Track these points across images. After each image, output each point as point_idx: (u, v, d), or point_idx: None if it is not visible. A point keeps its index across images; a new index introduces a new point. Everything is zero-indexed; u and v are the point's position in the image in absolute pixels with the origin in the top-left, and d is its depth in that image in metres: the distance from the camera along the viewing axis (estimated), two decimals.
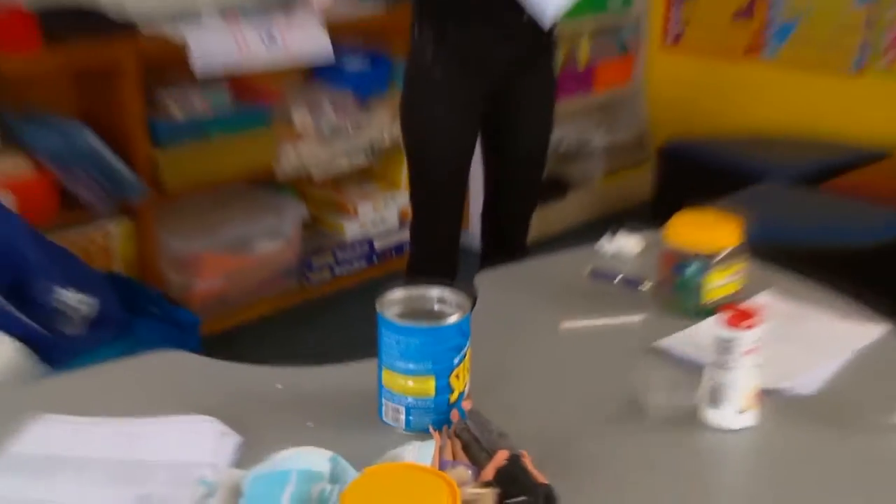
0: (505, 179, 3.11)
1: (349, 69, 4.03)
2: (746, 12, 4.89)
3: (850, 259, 3.38)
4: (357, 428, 1.61)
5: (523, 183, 3.15)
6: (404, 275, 3.09)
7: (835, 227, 3.64)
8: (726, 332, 1.58)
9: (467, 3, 2.78)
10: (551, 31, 2.88)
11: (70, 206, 3.34)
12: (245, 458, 1.49)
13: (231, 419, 1.58)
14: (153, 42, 3.51)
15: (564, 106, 4.84)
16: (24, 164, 3.19)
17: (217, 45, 3.53)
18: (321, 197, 4.16)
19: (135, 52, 3.44)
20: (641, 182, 5.04)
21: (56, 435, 1.59)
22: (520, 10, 2.68)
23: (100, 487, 1.46)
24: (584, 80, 5.03)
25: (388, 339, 1.57)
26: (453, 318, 1.57)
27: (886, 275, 3.41)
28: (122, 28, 3.49)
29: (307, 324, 3.86)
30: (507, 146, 3.05)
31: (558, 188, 4.94)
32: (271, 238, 3.92)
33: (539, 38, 2.87)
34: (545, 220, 4.69)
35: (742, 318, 1.58)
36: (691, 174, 4.49)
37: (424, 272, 2.92)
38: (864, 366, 1.82)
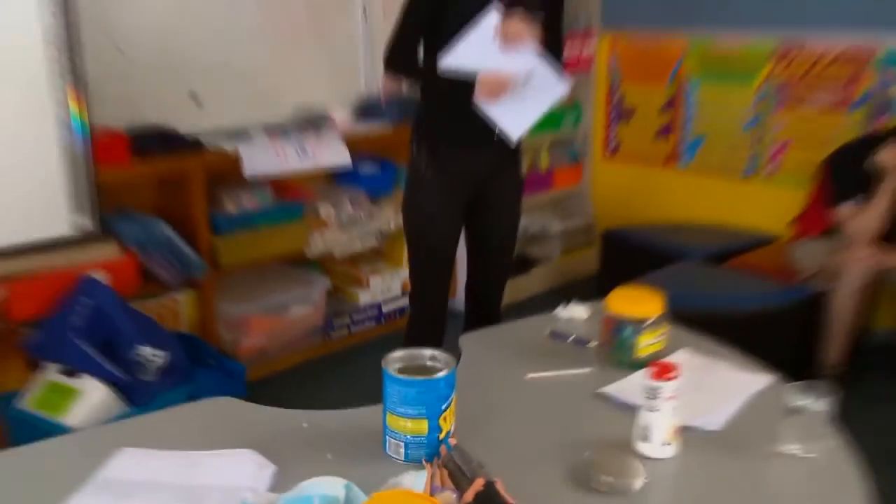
0: (482, 261, 3.08)
1: (363, 173, 4.05)
2: (665, 132, 4.95)
3: (746, 321, 3.42)
4: (366, 459, 1.62)
5: (497, 265, 3.11)
6: (404, 331, 3.09)
7: (734, 296, 3.68)
8: (653, 383, 1.64)
9: (453, 127, 2.77)
10: (518, 145, 2.88)
11: (149, 281, 3.35)
12: (279, 483, 1.52)
13: (267, 452, 1.61)
14: (214, 155, 3.55)
15: (530, 201, 4.87)
16: (115, 250, 3.21)
17: (262, 157, 3.57)
18: (341, 272, 4.16)
19: (201, 164, 3.49)
20: (589, 260, 5.07)
21: (134, 464, 1.62)
22: (492, 130, 2.72)
23: None
24: (545, 181, 5.05)
25: (390, 390, 1.61)
26: (442, 373, 1.61)
27: (773, 332, 3.47)
28: (192, 145, 3.53)
29: (329, 371, 3.84)
30: (484, 236, 3.02)
31: (525, 264, 4.94)
32: (302, 304, 3.91)
33: (508, 151, 2.86)
34: (515, 289, 4.68)
35: (665, 371, 1.64)
36: (626, 254, 4.51)
37: (419, 331, 2.99)
38: (754, 407, 1.86)
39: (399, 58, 2.77)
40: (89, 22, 3.08)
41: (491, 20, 2.57)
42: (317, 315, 3.97)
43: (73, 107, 2.93)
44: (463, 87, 2.61)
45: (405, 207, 2.98)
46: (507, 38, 2.58)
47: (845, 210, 3.64)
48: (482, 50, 2.58)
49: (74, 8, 2.89)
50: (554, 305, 2.38)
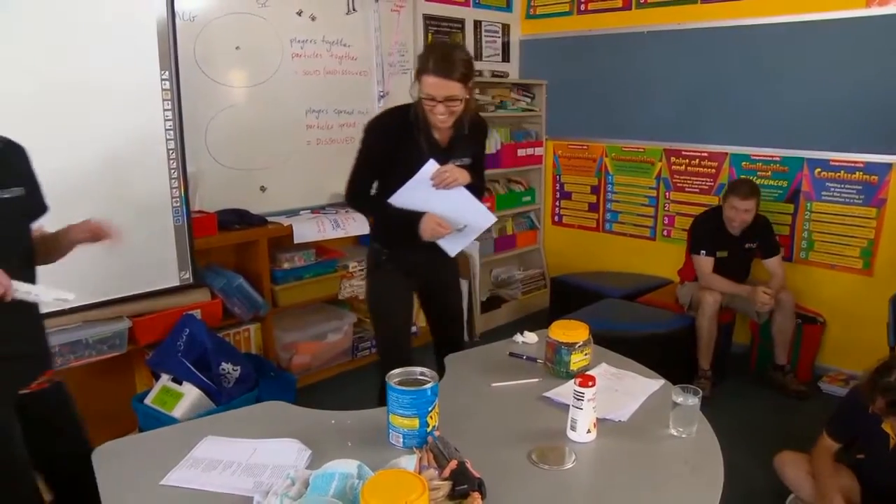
0: (442, 328, 2.72)
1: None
2: (594, 207, 5.01)
3: (648, 341, 3.44)
4: (375, 446, 1.63)
5: (454, 328, 2.76)
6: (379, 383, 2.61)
7: (640, 324, 3.69)
8: (579, 388, 1.66)
9: (402, 239, 2.45)
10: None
11: (228, 316, 3.35)
12: (313, 463, 1.54)
13: (306, 440, 1.64)
14: (274, 228, 3.55)
15: (500, 256, 4.98)
16: (206, 295, 3.21)
17: (308, 228, 3.58)
18: (363, 309, 4.03)
19: (265, 234, 3.50)
20: (542, 299, 5.08)
21: (215, 447, 1.64)
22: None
23: (236, 477, 1.51)
24: (511, 241, 5.06)
25: (392, 397, 1.62)
26: (428, 385, 1.63)
27: (666, 348, 3.49)
28: (259, 221, 3.53)
29: (355, 381, 3.83)
30: (439, 311, 2.73)
31: (496, 301, 4.93)
32: (336, 332, 3.89)
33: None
34: (490, 319, 4.75)
35: (587, 380, 1.67)
36: (568, 294, 4.50)
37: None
38: (650, 404, 1.89)
39: (355, 197, 2.47)
40: (193, 135, 3.14)
41: (429, 168, 2.33)
42: (346, 340, 3.95)
43: (181, 195, 2.98)
44: (409, 221, 2.37)
45: (368, 292, 2.66)
46: (443, 182, 2.34)
47: (699, 259, 3.76)
48: (422, 192, 2.35)
49: (184, 126, 2.96)
50: (515, 333, 2.39)
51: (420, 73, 2.24)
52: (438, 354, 2.68)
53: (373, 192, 2.49)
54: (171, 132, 2.90)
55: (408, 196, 2.37)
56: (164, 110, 2.87)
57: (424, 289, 2.68)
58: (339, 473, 1.33)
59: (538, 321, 4.65)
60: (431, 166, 2.34)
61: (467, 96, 2.27)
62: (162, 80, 2.85)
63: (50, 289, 1.66)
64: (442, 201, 2.38)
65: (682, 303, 3.98)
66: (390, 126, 2.37)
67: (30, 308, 1.71)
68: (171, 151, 2.91)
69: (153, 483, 1.49)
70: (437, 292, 2.69)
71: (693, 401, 1.70)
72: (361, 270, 3.88)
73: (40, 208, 1.82)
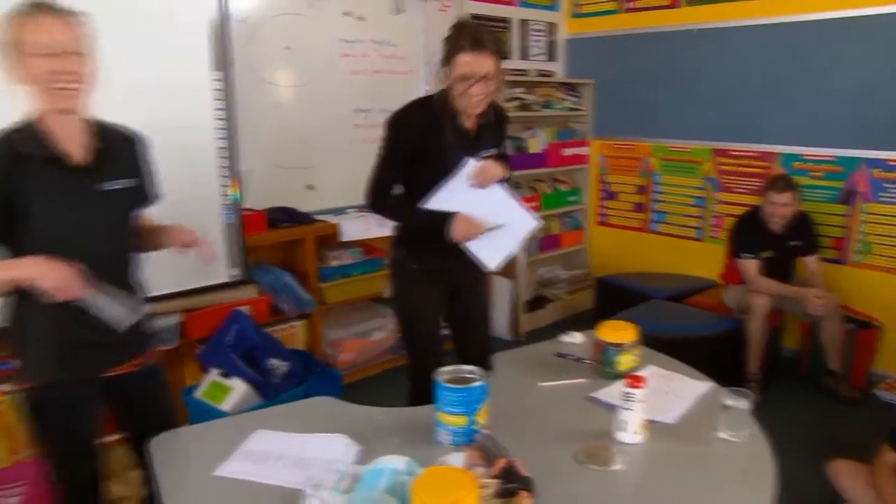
0: (465, 335, 2.52)
1: None
2: (639, 208, 4.95)
3: (694, 343, 3.37)
4: (423, 443, 1.63)
5: (482, 335, 2.57)
6: (409, 391, 2.46)
7: (686, 326, 3.65)
8: (628, 389, 1.65)
9: (432, 240, 2.21)
10: None
11: (276, 313, 3.38)
12: (362, 458, 1.55)
13: (354, 436, 1.65)
14: (322, 226, 3.59)
15: (544, 256, 4.96)
16: (255, 291, 3.25)
17: (354, 226, 3.61)
18: None
19: (313, 232, 3.53)
20: (587, 299, 5.02)
21: (266, 440, 1.67)
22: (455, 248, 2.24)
23: (287, 470, 1.53)
24: (555, 241, 5.03)
25: (441, 395, 1.62)
26: (477, 384, 1.62)
27: (712, 351, 3.42)
28: (307, 219, 3.57)
29: (398, 378, 3.72)
30: (465, 317, 2.51)
31: (541, 301, 4.89)
32: (380, 330, 3.91)
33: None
34: (535, 320, 4.72)
35: (636, 381, 1.65)
36: (613, 294, 4.44)
37: (420, 391, 2.24)
38: (699, 406, 1.86)
39: (380, 199, 2.28)
40: (242, 134, 3.18)
41: (469, 167, 2.18)
42: (390, 338, 3.95)
43: (232, 193, 3.03)
44: (438, 222, 2.18)
45: (396, 302, 2.45)
46: (483, 180, 2.19)
47: (743, 263, 3.67)
48: (460, 193, 2.19)
49: (236, 126, 3.01)
50: (561, 332, 2.36)
51: (452, 53, 2.10)
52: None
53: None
54: (223, 131, 2.95)
55: (446, 198, 2.20)
56: (216, 110, 2.93)
57: (451, 294, 2.46)
58: (388, 469, 1.34)
59: (583, 321, 4.61)
60: (471, 165, 2.20)
61: (500, 76, 2.16)
62: (215, 80, 2.90)
63: (117, 306, 1.68)
64: (481, 203, 2.21)
65: (728, 306, 3.91)
66: (415, 119, 2.21)
67: (133, 291, 1.82)
68: (222, 150, 2.96)
69: (207, 473, 1.53)
70: (464, 298, 2.48)
71: (744, 404, 1.67)
72: None
73: (152, 197, 1.89)
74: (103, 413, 1.86)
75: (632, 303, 3.96)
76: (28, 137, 1.61)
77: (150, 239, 1.90)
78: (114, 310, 1.66)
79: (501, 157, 2.34)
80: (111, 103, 2.57)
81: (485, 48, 2.08)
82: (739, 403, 1.67)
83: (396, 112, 2.25)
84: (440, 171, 2.21)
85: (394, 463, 1.37)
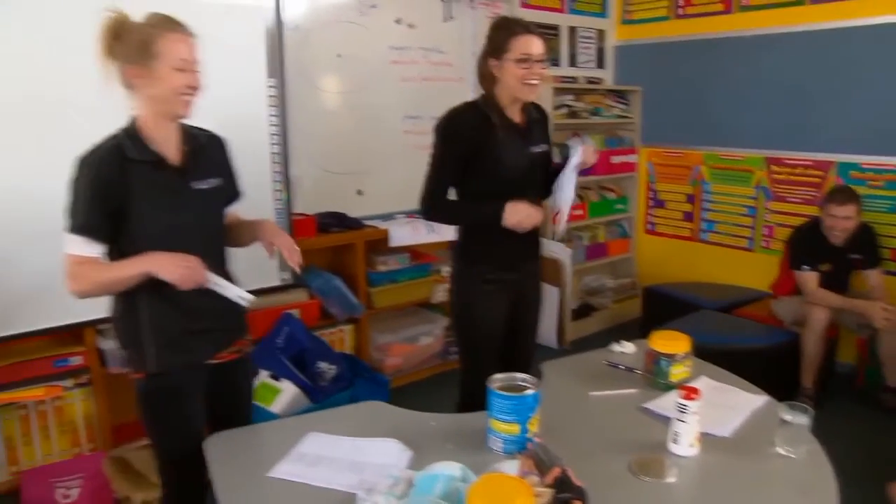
0: (515, 342, 2.49)
1: None
2: (688, 217, 4.87)
3: (745, 355, 3.26)
4: (474, 450, 1.62)
5: (530, 343, 2.56)
6: (458, 401, 2.46)
7: (737, 337, 3.57)
8: (683, 401, 1.61)
9: (493, 251, 2.31)
10: (539, 254, 2.48)
11: (325, 317, 3.42)
12: (414, 464, 1.55)
13: (406, 441, 1.64)
14: (371, 231, 3.61)
15: (591, 264, 4.91)
16: (305, 295, 3.29)
17: (403, 232, 3.63)
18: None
19: (362, 237, 3.55)
20: (634, 308, 4.95)
21: (319, 443, 1.67)
22: (523, 249, 2.35)
23: (340, 473, 1.53)
24: (602, 249, 4.98)
25: (494, 402, 1.61)
26: (531, 391, 1.61)
27: (764, 364, 3.34)
28: (356, 224, 3.61)
29: (445, 383, 3.74)
30: (520, 325, 2.48)
31: (587, 310, 4.85)
32: (428, 336, 3.92)
33: (535, 260, 2.47)
34: (580, 328, 4.68)
35: (692, 393, 1.62)
36: (661, 304, 4.38)
37: (472, 401, 2.23)
38: (754, 419, 1.82)
39: (437, 205, 2.28)
40: (294, 140, 3.22)
41: (580, 152, 2.24)
42: (437, 344, 3.97)
43: (284, 198, 3.07)
44: (492, 217, 2.20)
45: (459, 312, 2.43)
46: (589, 164, 2.27)
47: (802, 275, 3.57)
48: (568, 179, 2.28)
49: (287, 131, 3.05)
50: (608, 341, 2.32)
51: (507, 38, 2.16)
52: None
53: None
54: (277, 137, 3.00)
55: (563, 186, 2.29)
56: (270, 116, 2.98)
57: (513, 303, 2.44)
58: (443, 475, 1.33)
59: (629, 330, 4.55)
60: (581, 151, 2.25)
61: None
62: (269, 87, 2.95)
63: (235, 287, 1.80)
64: (569, 186, 2.30)
65: (780, 318, 3.82)
66: (466, 120, 2.23)
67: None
68: (275, 156, 3.01)
69: (262, 474, 1.54)
70: (521, 306, 2.47)
71: (803, 419, 1.63)
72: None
73: (235, 195, 1.97)
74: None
75: (680, 313, 3.89)
76: (134, 142, 1.70)
77: (239, 234, 1.96)
78: (235, 291, 1.79)
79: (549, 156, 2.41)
80: None
81: (535, 31, 2.19)
82: (798, 419, 1.62)
83: (444, 116, 2.27)
84: (496, 168, 2.23)
85: (449, 469, 1.36)
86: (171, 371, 1.79)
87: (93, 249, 1.67)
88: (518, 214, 2.19)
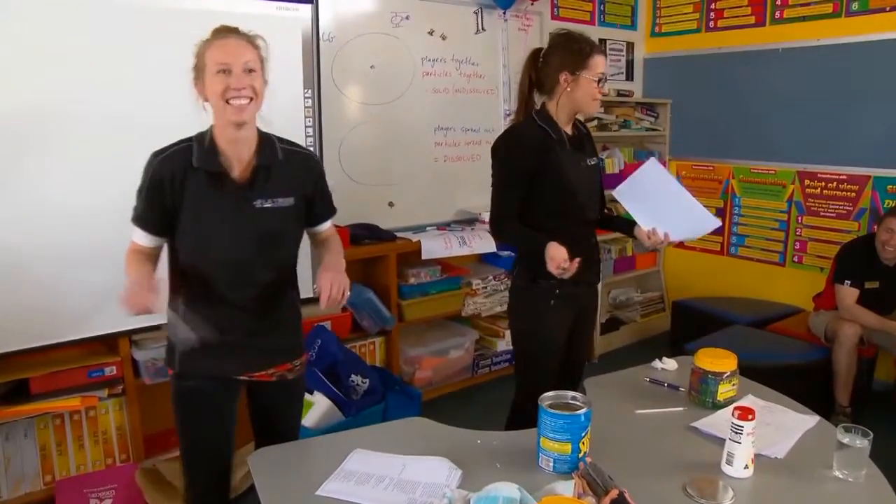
0: (567, 359, 2.46)
1: (502, 256, 3.95)
2: (718, 230, 4.80)
3: (780, 372, 3.19)
4: (523, 469, 1.59)
5: (580, 361, 2.57)
6: (508, 416, 2.48)
7: (771, 353, 3.51)
8: (738, 421, 1.58)
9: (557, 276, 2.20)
10: (599, 275, 2.48)
11: (357, 329, 3.41)
12: (464, 483, 1.51)
13: (453, 459, 1.62)
14: (403, 243, 3.60)
15: (619, 277, 4.87)
16: (336, 307, 3.26)
17: (435, 245, 3.60)
18: (485, 326, 4.11)
19: (394, 249, 3.54)
20: (662, 322, 4.93)
21: (365, 460, 1.64)
22: (585, 270, 2.23)
23: (388, 492, 1.51)
24: (630, 263, 4.94)
25: (544, 420, 1.58)
26: (583, 410, 1.58)
27: (800, 381, 3.24)
28: (388, 236, 3.59)
29: (475, 397, 3.82)
30: (574, 343, 2.48)
31: (614, 324, 4.80)
32: (458, 349, 3.89)
33: (593, 281, 2.46)
34: (608, 342, 4.63)
35: (747, 413, 1.59)
36: (690, 319, 4.32)
37: (522, 418, 2.22)
38: (808, 441, 1.78)
39: (503, 228, 2.30)
40: (327, 150, 3.22)
41: (653, 167, 2.35)
42: (467, 357, 3.94)
43: None
44: (537, 252, 2.19)
45: (524, 328, 2.42)
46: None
47: (842, 289, 3.51)
48: (650, 186, 2.32)
49: (321, 147, 3.05)
50: (636, 355, 2.31)
51: (588, 56, 2.20)
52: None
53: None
54: (312, 148, 2.99)
55: (637, 189, 2.34)
56: (306, 127, 2.97)
57: (575, 316, 2.45)
58: (503, 497, 1.31)
59: (657, 345, 4.51)
60: (655, 164, 2.34)
61: None
62: (305, 97, 2.95)
63: (184, 328, 1.76)
64: (666, 201, 2.32)
65: (815, 332, 3.75)
66: (526, 136, 2.26)
67: (276, 307, 1.88)
68: None
69: (309, 492, 1.51)
70: (579, 321, 2.48)
71: (863, 443, 1.58)
72: (485, 288, 3.89)
73: (318, 215, 1.94)
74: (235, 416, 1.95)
75: (710, 328, 3.84)
76: (202, 149, 1.73)
77: (320, 254, 1.96)
78: (183, 332, 1.75)
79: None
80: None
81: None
82: (858, 442, 1.58)
83: (502, 136, 2.33)
84: (560, 182, 2.26)
85: (507, 491, 1.34)
86: (195, 374, 1.83)
87: (142, 238, 1.75)
88: (555, 260, 2.14)
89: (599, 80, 2.22)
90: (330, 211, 1.97)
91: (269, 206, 1.77)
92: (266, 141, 1.81)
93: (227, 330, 1.79)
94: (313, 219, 1.93)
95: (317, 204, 1.91)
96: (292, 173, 1.83)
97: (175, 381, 1.87)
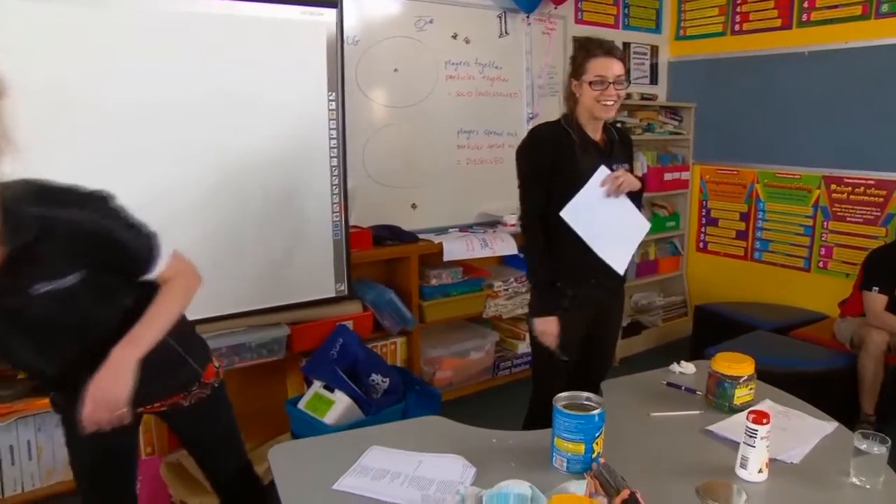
0: (589, 361, 2.53)
1: (523, 259, 3.83)
2: (742, 235, 4.78)
3: (804, 378, 3.20)
4: (538, 468, 1.61)
5: (604, 365, 2.63)
6: (526, 417, 2.58)
7: (795, 360, 3.47)
8: (752, 425, 1.59)
9: (575, 271, 2.38)
10: (623, 276, 2.49)
11: (378, 329, 3.42)
12: (478, 481, 1.53)
13: (468, 457, 1.64)
14: (425, 245, 3.61)
15: (641, 281, 4.85)
16: (359, 307, 3.29)
17: (456, 246, 3.62)
18: (506, 328, 4.12)
19: (416, 250, 3.56)
20: (684, 327, 4.89)
21: (381, 457, 1.67)
22: (602, 269, 2.37)
23: (404, 488, 1.53)
24: (653, 267, 4.92)
25: (559, 420, 1.60)
26: (597, 411, 1.60)
27: (824, 388, 3.21)
28: (410, 238, 3.61)
29: (496, 399, 3.82)
30: (596, 346, 2.56)
31: (636, 328, 4.79)
32: (478, 350, 3.90)
33: (618, 280, 2.48)
34: (630, 346, 4.62)
35: (762, 417, 1.59)
36: (712, 324, 4.29)
37: (538, 420, 2.23)
38: (825, 447, 1.78)
39: (527, 238, 2.40)
40: (350, 153, 3.23)
41: (601, 174, 2.28)
42: (488, 358, 3.95)
43: (340, 212, 3.09)
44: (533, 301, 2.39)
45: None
46: (616, 187, 2.28)
47: (870, 296, 3.46)
48: (592, 202, 2.28)
49: (345, 149, 3.08)
50: (657, 359, 2.30)
51: (585, 60, 2.25)
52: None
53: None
54: (336, 150, 3.02)
55: (579, 207, 2.29)
56: (330, 129, 3.01)
57: (592, 319, 2.50)
58: (514, 494, 1.32)
59: (679, 349, 4.47)
60: (602, 172, 2.30)
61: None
62: (329, 100, 2.98)
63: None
64: (608, 211, 2.32)
65: (840, 339, 3.70)
66: (546, 134, 2.35)
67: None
68: (334, 169, 3.04)
69: (326, 486, 1.54)
70: (600, 324, 2.53)
71: (881, 450, 1.57)
72: (507, 290, 3.89)
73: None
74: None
75: (733, 333, 3.80)
76: None
77: None
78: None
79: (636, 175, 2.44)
80: (242, 122, 2.75)
81: (614, 53, 2.27)
82: (876, 449, 1.57)
83: (526, 137, 2.40)
84: (575, 184, 2.29)
85: (518, 488, 1.35)
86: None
87: None
88: (539, 327, 2.37)
89: (600, 83, 2.23)
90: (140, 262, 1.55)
91: (48, 289, 1.41)
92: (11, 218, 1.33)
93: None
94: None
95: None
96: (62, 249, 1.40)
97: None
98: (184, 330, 1.76)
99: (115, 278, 1.54)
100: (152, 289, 1.59)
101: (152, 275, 1.56)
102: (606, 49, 2.26)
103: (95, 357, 1.48)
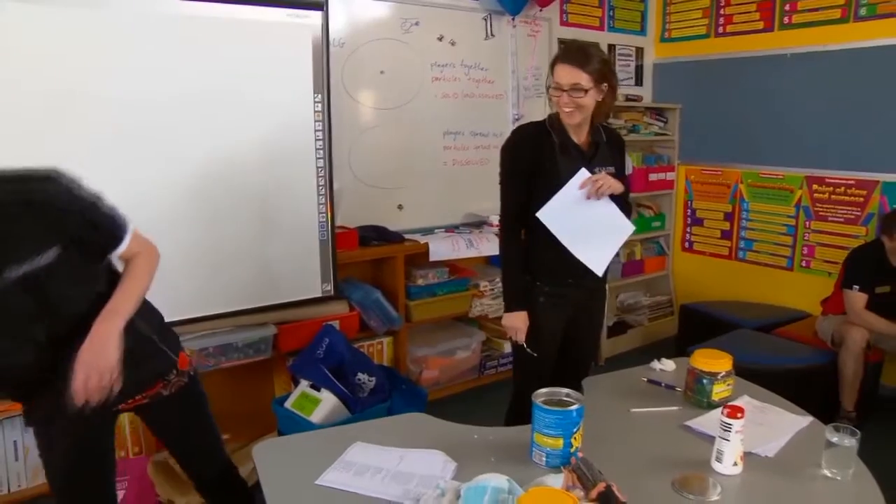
0: (571, 360, 2.56)
1: None
2: (726, 235, 4.83)
3: (785, 375, 3.27)
4: (517, 463, 1.63)
5: (585, 363, 2.64)
6: (507, 411, 2.65)
7: (777, 357, 3.52)
8: (726, 419, 1.61)
9: (554, 268, 2.40)
10: (604, 277, 2.49)
11: (364, 329, 3.43)
12: (458, 475, 1.56)
13: (450, 453, 1.67)
14: (411, 245, 3.62)
15: (627, 281, 4.89)
16: (345, 307, 3.30)
17: (442, 247, 3.64)
18: (492, 327, 4.10)
19: (402, 251, 3.57)
20: (669, 326, 4.94)
21: (364, 452, 1.69)
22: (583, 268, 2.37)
23: (385, 483, 1.55)
24: (639, 266, 4.96)
25: (538, 416, 1.62)
26: (575, 406, 1.62)
27: (805, 384, 3.29)
28: (396, 238, 3.62)
29: (482, 397, 3.84)
30: (577, 344, 2.57)
31: (622, 327, 4.82)
32: (464, 350, 3.92)
33: (596, 280, 2.46)
34: (615, 345, 4.66)
35: (736, 411, 1.61)
36: (697, 322, 4.34)
37: (519, 414, 2.37)
38: (799, 441, 1.81)
39: (508, 230, 2.40)
40: (336, 154, 3.25)
41: (580, 177, 2.26)
42: (474, 358, 3.97)
43: (327, 213, 3.11)
44: (506, 301, 2.42)
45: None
46: (596, 190, 2.25)
47: (850, 294, 3.51)
48: (571, 204, 2.27)
49: (331, 150, 3.10)
50: (643, 358, 2.32)
51: (553, 64, 2.25)
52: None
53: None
54: (321, 151, 3.04)
55: (556, 209, 2.28)
56: (316, 131, 3.03)
57: (570, 318, 2.52)
58: (491, 487, 1.34)
59: (664, 348, 4.51)
60: (582, 174, 2.28)
61: (598, 95, 2.24)
62: (315, 102, 3.00)
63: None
64: (588, 213, 2.30)
65: (822, 337, 3.76)
66: (527, 134, 2.35)
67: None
68: (320, 170, 3.05)
69: (309, 481, 1.57)
70: (580, 321, 2.54)
71: (850, 442, 1.61)
72: (492, 290, 3.91)
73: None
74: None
75: (717, 331, 3.85)
76: None
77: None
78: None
79: (620, 177, 2.40)
80: (229, 124, 2.77)
81: (580, 63, 2.20)
82: (845, 441, 1.61)
83: (511, 133, 2.41)
84: (554, 185, 2.29)
85: (496, 481, 1.37)
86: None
87: None
88: (506, 321, 2.43)
89: (556, 89, 2.23)
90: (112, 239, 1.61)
91: (23, 271, 1.44)
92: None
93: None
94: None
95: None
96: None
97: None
98: (153, 318, 1.82)
99: (85, 258, 1.57)
100: (117, 274, 1.65)
101: (119, 250, 1.61)
102: (569, 56, 2.22)
103: (71, 340, 1.50)
